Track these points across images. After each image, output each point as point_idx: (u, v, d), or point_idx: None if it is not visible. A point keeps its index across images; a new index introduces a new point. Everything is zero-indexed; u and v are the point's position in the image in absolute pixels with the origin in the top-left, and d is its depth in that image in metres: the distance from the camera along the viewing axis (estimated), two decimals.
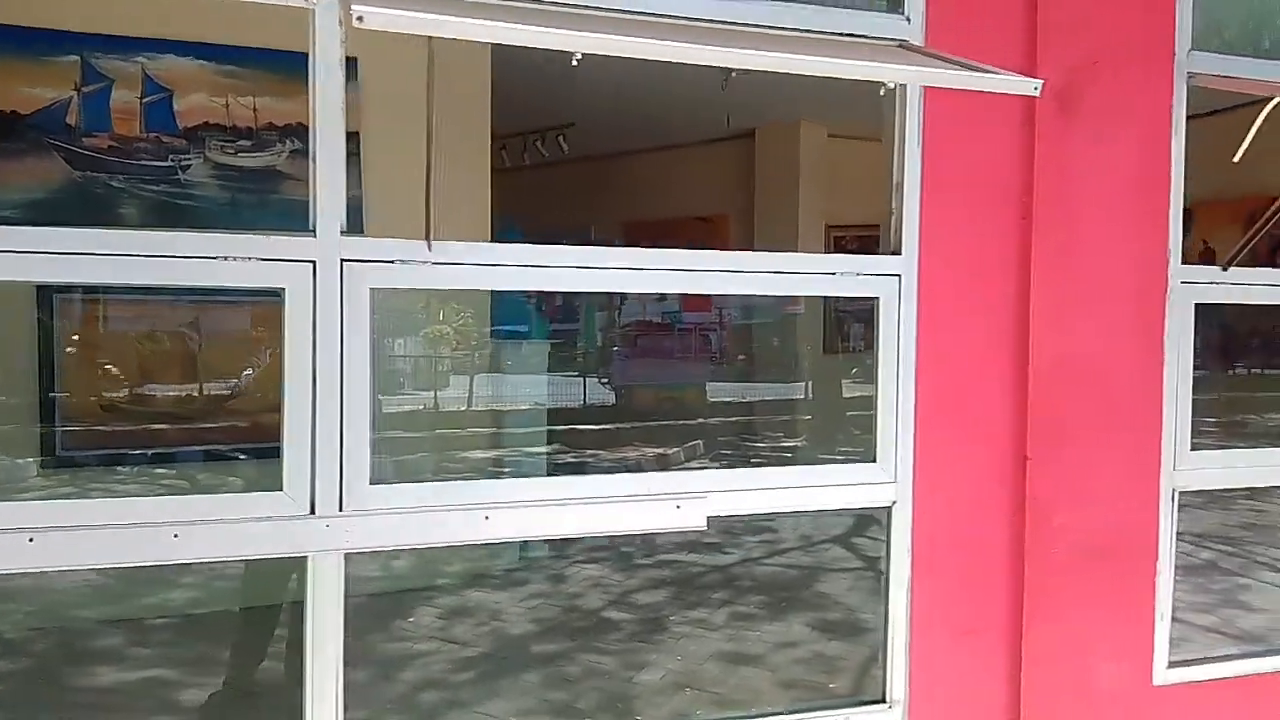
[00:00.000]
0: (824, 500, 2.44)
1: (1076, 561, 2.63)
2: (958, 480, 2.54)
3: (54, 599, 4.19)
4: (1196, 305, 2.76)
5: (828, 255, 2.35)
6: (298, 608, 2.01)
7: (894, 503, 2.46)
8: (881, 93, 1.83)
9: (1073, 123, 2.56)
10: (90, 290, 4.34)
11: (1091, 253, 2.62)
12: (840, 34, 2.35)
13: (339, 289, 1.92)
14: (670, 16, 2.15)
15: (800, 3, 2.33)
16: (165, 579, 4.28)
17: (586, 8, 2.05)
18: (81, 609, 4.23)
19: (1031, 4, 2.52)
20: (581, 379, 10.46)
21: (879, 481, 2.44)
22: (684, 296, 10.12)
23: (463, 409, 7.15)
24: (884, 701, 2.52)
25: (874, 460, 2.45)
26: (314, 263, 1.91)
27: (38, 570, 1.82)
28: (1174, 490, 2.77)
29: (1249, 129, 2.76)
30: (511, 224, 6.74)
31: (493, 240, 4.35)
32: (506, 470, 6.04)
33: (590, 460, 7.53)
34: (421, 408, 7.30)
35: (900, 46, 2.33)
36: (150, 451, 4.47)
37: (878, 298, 2.43)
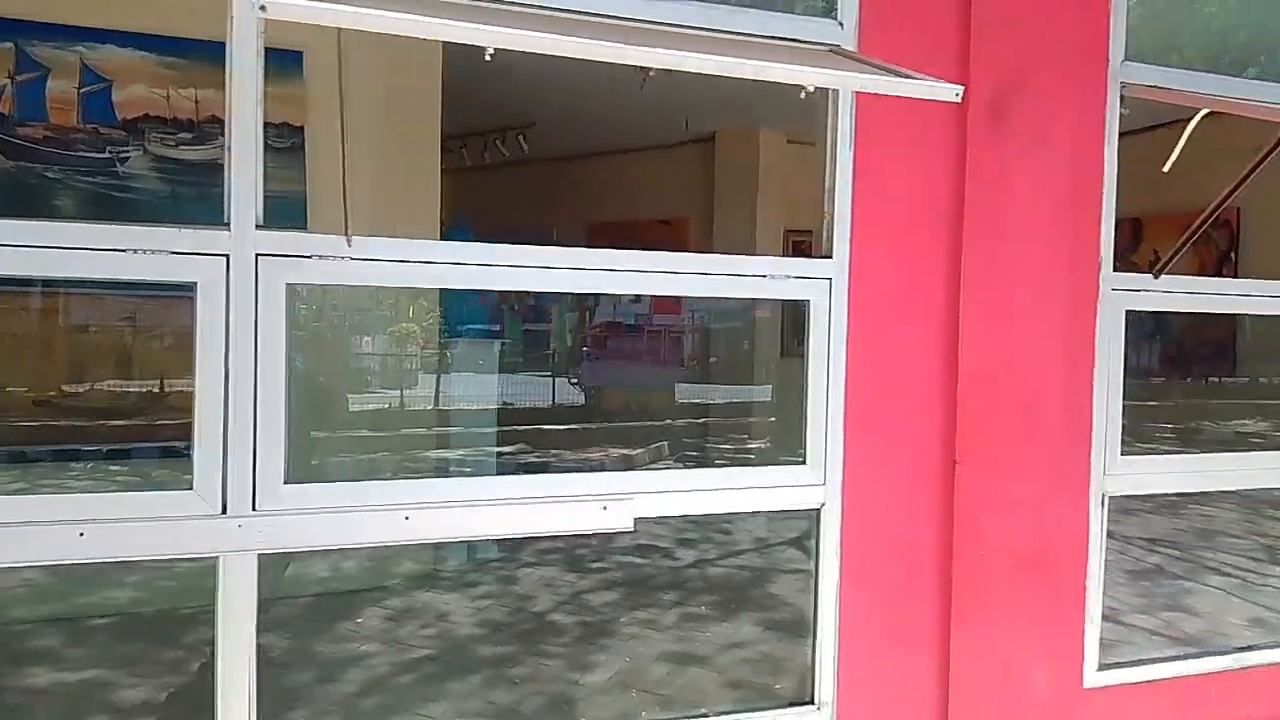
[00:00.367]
0: (753, 502, 2.44)
1: (1006, 565, 2.65)
2: (887, 484, 2.55)
3: None
4: (1128, 312, 2.80)
5: (760, 257, 2.35)
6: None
7: (823, 505, 2.46)
8: (802, 95, 1.83)
9: (1005, 130, 2.58)
10: (23, 282, 4.25)
11: (1023, 259, 2.63)
12: (773, 38, 2.35)
13: (254, 284, 1.90)
14: (599, 15, 2.15)
15: (734, 6, 2.33)
16: (110, 579, 4.20)
17: (510, 3, 2.04)
18: (14, 609, 4.15)
19: (965, 11, 2.53)
20: (552, 379, 10.44)
21: (808, 484, 2.45)
22: (654, 299, 10.14)
23: (429, 408, 7.10)
24: (812, 703, 2.52)
25: (804, 463, 2.45)
26: (227, 256, 1.89)
27: None
28: (1104, 495, 2.80)
29: (1179, 141, 2.80)
30: (465, 223, 6.71)
31: (442, 238, 4.32)
32: (468, 470, 6.00)
33: (553, 460, 7.50)
34: (387, 406, 7.24)
35: (831, 51, 2.34)
36: (70, 448, 4.38)
37: (809, 300, 2.44)
